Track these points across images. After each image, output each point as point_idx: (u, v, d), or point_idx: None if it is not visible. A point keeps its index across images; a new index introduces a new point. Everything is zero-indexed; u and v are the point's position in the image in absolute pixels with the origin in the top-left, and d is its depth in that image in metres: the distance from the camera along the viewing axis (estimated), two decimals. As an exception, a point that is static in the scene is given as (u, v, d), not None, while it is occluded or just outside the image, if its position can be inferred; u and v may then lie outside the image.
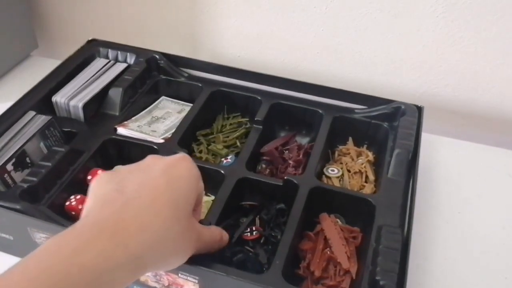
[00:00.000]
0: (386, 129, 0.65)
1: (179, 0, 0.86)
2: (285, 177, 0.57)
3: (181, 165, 0.42)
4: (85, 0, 0.92)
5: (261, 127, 0.65)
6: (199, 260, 0.47)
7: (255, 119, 0.65)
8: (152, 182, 0.40)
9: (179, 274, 0.48)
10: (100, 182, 0.40)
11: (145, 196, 0.38)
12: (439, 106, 0.81)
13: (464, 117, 0.81)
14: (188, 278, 0.48)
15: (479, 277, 0.57)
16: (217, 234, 0.47)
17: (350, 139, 0.68)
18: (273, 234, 0.54)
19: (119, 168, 0.43)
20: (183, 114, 0.70)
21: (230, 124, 0.69)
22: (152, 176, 0.40)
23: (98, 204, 0.38)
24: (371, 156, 0.65)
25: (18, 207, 0.50)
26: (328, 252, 0.52)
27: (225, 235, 0.49)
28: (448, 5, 0.71)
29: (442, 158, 0.72)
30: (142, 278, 0.51)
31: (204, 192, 0.47)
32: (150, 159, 0.44)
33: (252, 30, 0.84)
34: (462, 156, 0.73)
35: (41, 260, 0.32)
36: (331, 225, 0.54)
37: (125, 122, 0.65)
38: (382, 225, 0.51)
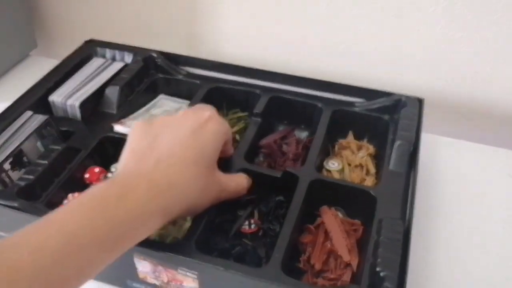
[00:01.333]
0: (387, 122, 0.65)
1: (179, 1, 0.85)
2: (286, 169, 0.56)
3: (208, 126, 0.48)
4: (84, 0, 0.92)
5: (259, 119, 0.65)
6: (197, 255, 0.46)
7: (254, 111, 0.65)
8: (182, 142, 0.46)
9: (178, 270, 0.47)
10: (137, 135, 0.47)
11: (174, 156, 0.44)
12: (439, 106, 0.80)
13: (464, 117, 0.80)
14: (187, 273, 0.47)
15: (479, 277, 0.56)
16: (242, 182, 0.53)
17: (350, 133, 0.67)
18: (271, 227, 0.53)
19: (154, 119, 0.49)
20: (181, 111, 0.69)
21: (230, 119, 0.69)
22: (182, 135, 0.46)
23: (134, 158, 0.45)
24: (371, 149, 0.64)
25: (15, 205, 0.50)
26: (329, 245, 0.51)
27: (249, 180, 0.54)
28: (448, 5, 0.70)
29: (442, 158, 0.71)
30: (141, 275, 0.50)
31: (231, 136, 0.55)
32: (182, 114, 0.49)
33: (252, 29, 0.84)
34: (462, 156, 0.72)
35: (87, 204, 0.39)
36: (331, 218, 0.54)
37: (122, 120, 0.65)
38: (383, 217, 0.50)
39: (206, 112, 0.50)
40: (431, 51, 0.76)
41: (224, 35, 0.87)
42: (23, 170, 0.57)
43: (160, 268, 0.48)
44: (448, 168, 0.70)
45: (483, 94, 0.78)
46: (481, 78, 0.77)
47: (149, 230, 0.43)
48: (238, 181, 0.53)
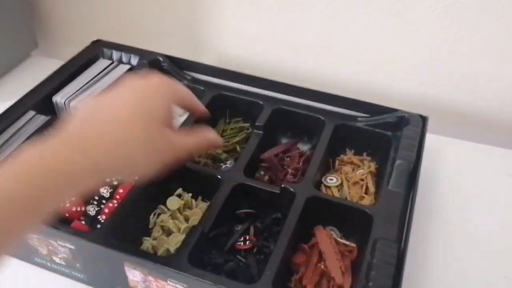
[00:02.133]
0: (389, 138, 0.64)
1: (180, 0, 0.85)
2: (282, 185, 0.56)
3: (151, 79, 0.46)
4: (85, 0, 0.92)
5: (261, 132, 0.64)
6: (188, 268, 0.46)
7: (256, 124, 0.64)
8: (120, 96, 0.44)
9: (168, 281, 0.47)
10: (82, 108, 0.44)
11: (109, 108, 0.42)
12: (439, 106, 0.80)
13: (464, 117, 0.80)
14: (177, 285, 0.47)
15: (479, 277, 0.56)
16: (201, 138, 0.49)
17: (348, 150, 0.67)
18: (266, 244, 0.53)
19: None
20: (184, 117, 0.69)
21: (231, 129, 0.68)
22: (120, 91, 0.44)
23: (71, 122, 0.42)
24: (373, 167, 0.63)
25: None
26: (322, 266, 0.51)
27: (214, 137, 0.50)
28: (448, 5, 0.69)
29: (442, 158, 0.71)
30: (132, 284, 0.50)
31: (192, 100, 0.51)
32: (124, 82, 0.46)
33: (252, 30, 0.84)
34: (462, 156, 0.72)
35: (22, 168, 0.36)
36: (326, 239, 0.53)
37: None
38: (378, 238, 0.49)
39: (150, 75, 0.47)
40: (430, 51, 0.76)
41: (225, 35, 0.86)
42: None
43: (150, 278, 0.48)
44: (448, 168, 0.70)
45: (482, 94, 0.78)
46: (481, 78, 0.76)
47: (79, 188, 0.39)
48: (197, 139, 0.48)
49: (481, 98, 0.78)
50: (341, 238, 0.56)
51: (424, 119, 0.64)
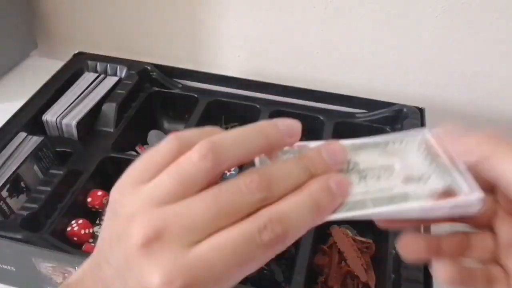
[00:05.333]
0: (389, 132, 0.65)
1: (179, 1, 0.83)
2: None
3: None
4: (85, 0, 0.89)
5: (262, 136, 0.63)
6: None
7: (256, 128, 0.64)
8: None
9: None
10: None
11: None
12: (439, 106, 0.81)
13: (464, 117, 0.81)
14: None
15: None
16: None
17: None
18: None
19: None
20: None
21: (229, 135, 0.67)
22: None
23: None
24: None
25: (21, 237, 0.48)
26: (345, 266, 0.51)
27: None
28: (448, 5, 0.70)
29: None
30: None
31: None
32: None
33: (252, 30, 0.82)
34: None
35: None
36: (343, 238, 0.53)
37: None
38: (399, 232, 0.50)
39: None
40: (430, 51, 0.76)
41: (224, 35, 0.84)
42: (21, 197, 0.55)
43: None
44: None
45: (482, 94, 0.79)
46: (481, 78, 0.77)
47: None
48: None
49: (481, 98, 0.79)
50: (355, 236, 0.56)
51: (421, 111, 0.65)
